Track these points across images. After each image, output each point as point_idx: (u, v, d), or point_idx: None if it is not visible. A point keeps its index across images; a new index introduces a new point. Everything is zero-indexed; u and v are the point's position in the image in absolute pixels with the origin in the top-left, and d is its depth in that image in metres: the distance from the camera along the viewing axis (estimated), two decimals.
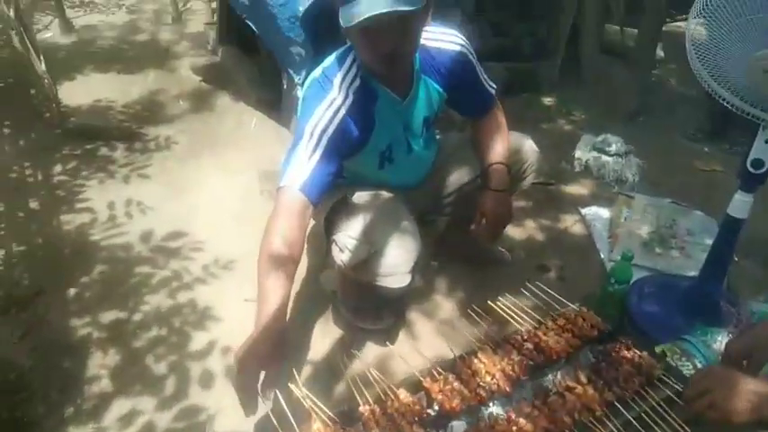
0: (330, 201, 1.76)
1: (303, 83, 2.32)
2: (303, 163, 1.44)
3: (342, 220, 1.65)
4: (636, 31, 3.93)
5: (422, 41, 1.58)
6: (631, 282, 1.94)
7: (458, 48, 1.66)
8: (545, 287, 1.56)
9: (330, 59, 1.57)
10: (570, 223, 2.51)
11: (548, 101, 3.66)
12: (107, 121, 3.12)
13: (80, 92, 3.37)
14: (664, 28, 3.97)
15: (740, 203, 1.80)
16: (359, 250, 1.54)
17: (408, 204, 1.72)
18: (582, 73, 3.95)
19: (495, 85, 1.82)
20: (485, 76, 1.78)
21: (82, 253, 2.17)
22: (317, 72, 1.57)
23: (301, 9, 2.31)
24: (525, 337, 1.34)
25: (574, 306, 1.54)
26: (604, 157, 2.87)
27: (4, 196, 2.45)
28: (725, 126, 3.25)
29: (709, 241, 2.36)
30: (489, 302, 1.52)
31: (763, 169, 1.72)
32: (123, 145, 2.88)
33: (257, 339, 1.24)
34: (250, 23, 2.84)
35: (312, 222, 1.64)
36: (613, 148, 2.87)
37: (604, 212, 2.56)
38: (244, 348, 1.23)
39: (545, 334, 1.36)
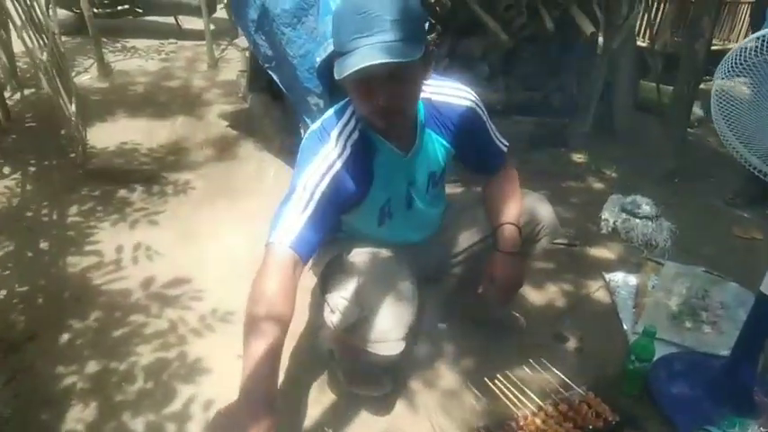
0: (327, 256, 1.68)
1: None
2: (294, 219, 1.36)
3: (335, 279, 1.57)
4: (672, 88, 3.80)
5: (428, 95, 1.53)
6: (655, 359, 1.78)
7: (467, 103, 1.59)
8: (549, 365, 1.42)
9: (329, 112, 1.51)
10: (593, 289, 2.35)
11: (577, 157, 3.54)
12: (130, 163, 3.14)
13: (109, 134, 3.42)
14: (702, 86, 3.85)
15: None
16: (349, 313, 1.45)
17: (412, 264, 1.63)
18: (615, 130, 3.83)
19: (507, 143, 1.73)
20: (496, 134, 1.70)
21: (81, 297, 2.12)
22: (317, 125, 1.51)
23: (318, 60, 2.29)
24: (521, 424, 1.20)
25: (580, 390, 1.39)
26: (633, 220, 2.72)
27: (16, 236, 2.45)
28: (767, 191, 3.07)
29: (745, 316, 2.21)
30: (486, 380, 1.38)
31: None
32: (142, 188, 2.88)
33: (237, 410, 1.14)
34: (272, 74, 2.85)
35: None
36: (643, 211, 2.72)
37: (631, 279, 2.40)
38: (221, 418, 1.14)
39: (544, 422, 1.21)
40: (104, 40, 4.84)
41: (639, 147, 3.63)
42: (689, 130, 3.85)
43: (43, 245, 2.41)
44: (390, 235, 1.64)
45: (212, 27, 4.78)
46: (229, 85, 4.28)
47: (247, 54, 3.78)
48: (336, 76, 1.27)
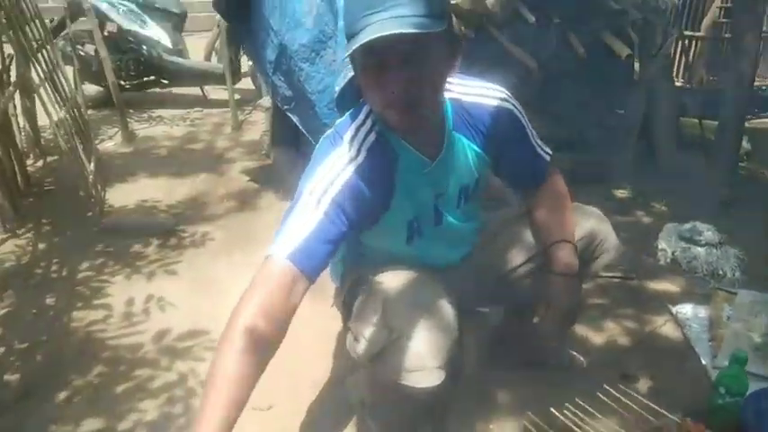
0: (349, 281, 1.46)
1: None
2: (297, 228, 1.15)
3: (360, 303, 1.34)
4: (716, 123, 3.57)
5: (457, 96, 1.32)
6: (747, 393, 1.49)
7: (502, 104, 1.36)
8: (630, 391, 1.14)
9: (344, 116, 1.33)
10: (659, 324, 2.06)
11: (621, 192, 3.28)
12: (147, 218, 3.01)
13: (128, 193, 3.32)
14: (747, 125, 3.62)
15: None
16: (376, 337, 1.20)
17: (450, 289, 1.38)
18: (657, 165, 3.59)
19: (550, 151, 1.51)
20: (537, 140, 1.46)
21: (85, 352, 1.93)
22: (330, 129, 1.32)
23: (337, 89, 2.15)
24: None
25: (674, 417, 1.11)
26: (695, 248, 2.43)
27: (22, 293, 2.28)
28: None
29: None
30: (553, 410, 1.11)
31: None
32: (158, 241, 2.72)
33: None
34: (291, 116, 2.73)
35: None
36: (705, 237, 2.44)
37: (701, 311, 2.11)
38: None
39: None
40: (130, 111, 4.87)
41: (686, 180, 3.37)
42: (739, 163, 3.59)
43: (49, 300, 2.23)
44: (421, 254, 1.41)
45: (237, 97, 4.79)
46: (253, 144, 4.20)
47: (270, 111, 3.73)
48: (348, 49, 1.08)
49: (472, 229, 1.53)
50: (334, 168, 1.20)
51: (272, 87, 2.75)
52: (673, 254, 2.45)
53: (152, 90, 5.39)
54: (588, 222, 1.52)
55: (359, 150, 1.22)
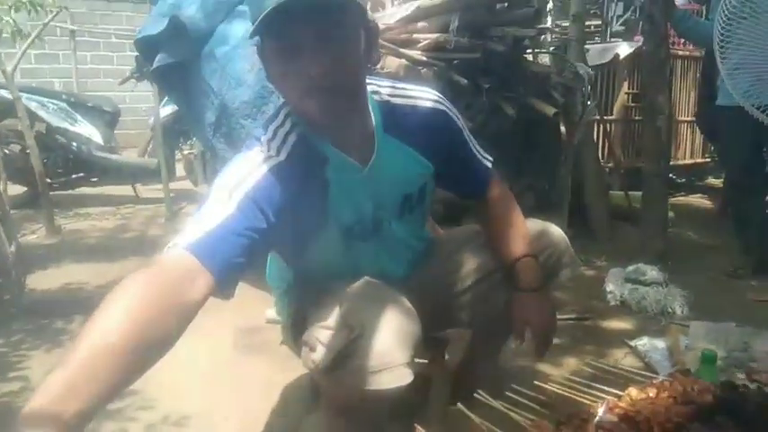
0: (294, 310, 1.36)
1: None
2: (202, 221, 0.99)
3: (311, 314, 1.23)
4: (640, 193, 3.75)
5: (385, 98, 1.24)
6: None
7: (434, 104, 1.29)
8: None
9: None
10: (620, 356, 2.02)
11: None
12: (72, 299, 2.77)
13: (52, 278, 3.08)
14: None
15: None
16: (335, 339, 1.09)
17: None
18: (592, 230, 3.71)
19: (491, 158, 1.46)
20: (477, 147, 1.41)
21: (2, 424, 1.67)
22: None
23: None
24: (605, 410, 0.83)
25: (664, 377, 1.04)
26: (642, 288, 2.46)
27: None
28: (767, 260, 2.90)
29: None
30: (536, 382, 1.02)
31: None
32: (83, 318, 2.49)
33: None
34: None
35: None
36: (651, 277, 2.48)
37: (658, 343, 2.10)
38: None
39: (633, 404, 0.85)
40: (56, 209, 4.66)
41: (621, 242, 3.49)
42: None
43: None
44: (363, 265, 1.30)
45: (172, 195, 4.70)
46: None
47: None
48: (251, 23, 1.01)
49: (418, 243, 1.47)
50: (247, 166, 1.09)
51: (212, 153, 2.72)
52: (621, 295, 2.47)
53: (81, 189, 5.22)
54: (540, 232, 1.49)
55: (278, 151, 1.11)
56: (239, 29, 2.47)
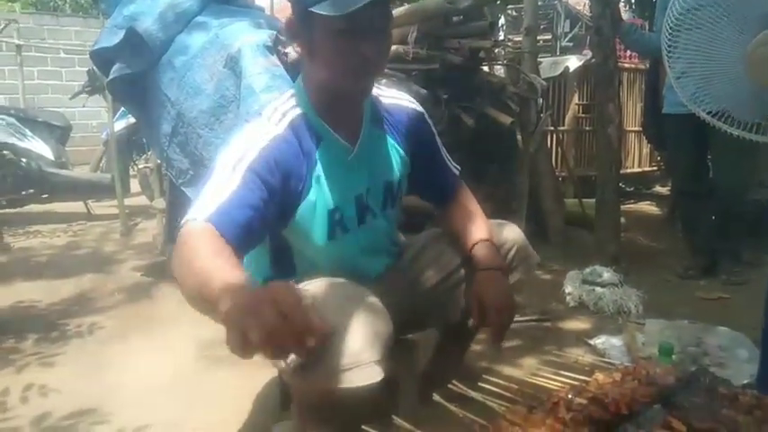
0: None
1: None
2: (212, 195, 1.09)
3: None
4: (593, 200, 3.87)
5: (374, 94, 1.36)
6: None
7: (415, 106, 1.44)
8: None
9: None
10: (580, 354, 2.06)
11: None
12: (23, 317, 2.67)
13: (2, 297, 2.95)
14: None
15: None
16: None
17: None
18: (548, 237, 3.80)
19: (459, 167, 1.56)
20: (446, 154, 1.52)
21: None
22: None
23: None
24: (574, 394, 0.86)
25: (623, 364, 1.08)
26: (598, 289, 2.53)
27: None
28: (714, 261, 3.03)
29: (748, 354, 2.02)
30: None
31: None
32: (36, 336, 2.41)
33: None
34: (187, 190, 2.61)
35: None
36: (606, 279, 2.56)
37: (615, 341, 2.15)
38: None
39: (600, 387, 0.88)
40: (4, 227, 4.49)
41: (576, 246, 3.59)
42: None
43: None
44: (344, 254, 1.35)
45: (127, 211, 4.60)
46: (145, 245, 3.97)
47: (165, 209, 3.59)
48: (334, 11, 1.09)
49: (392, 246, 1.50)
50: (250, 138, 1.18)
51: (167, 163, 2.67)
52: (579, 297, 2.54)
53: (31, 206, 5.05)
54: (498, 230, 1.53)
55: (278, 122, 1.21)
56: (199, 39, 2.44)
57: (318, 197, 1.26)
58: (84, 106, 6.67)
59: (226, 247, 1.01)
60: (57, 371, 2.08)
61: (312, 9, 1.11)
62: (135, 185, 5.53)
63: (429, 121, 1.48)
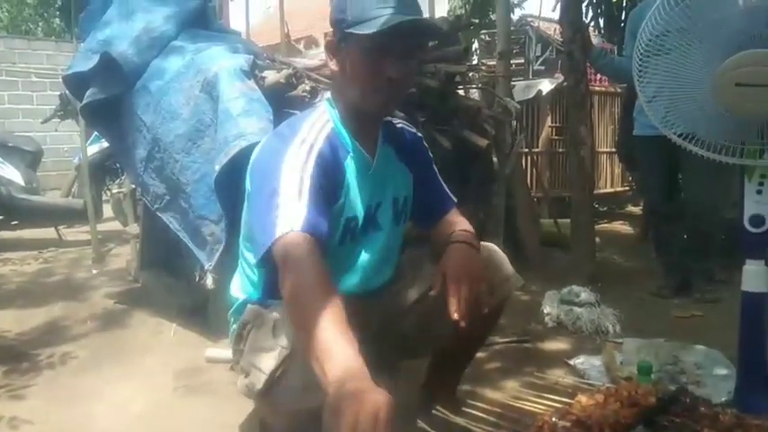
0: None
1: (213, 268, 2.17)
2: (293, 207, 1.13)
3: (250, 339, 1.24)
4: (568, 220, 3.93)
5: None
6: None
7: (415, 131, 1.54)
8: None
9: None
10: (560, 375, 2.07)
11: None
12: None
13: None
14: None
15: (754, 274, 1.51)
16: (269, 360, 1.13)
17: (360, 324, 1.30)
18: (526, 258, 3.83)
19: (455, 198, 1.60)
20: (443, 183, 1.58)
21: None
22: (276, 130, 1.40)
23: (218, 167, 2.11)
24: (557, 417, 0.86)
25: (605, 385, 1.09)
26: (576, 309, 2.55)
27: None
28: (687, 279, 3.08)
29: (725, 371, 2.04)
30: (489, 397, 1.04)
31: (765, 226, 1.48)
32: (5, 367, 2.33)
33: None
34: (163, 215, 2.57)
35: None
36: (583, 298, 2.59)
37: (595, 360, 2.17)
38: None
39: (584, 410, 0.89)
40: None
41: (553, 266, 3.63)
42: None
43: None
44: (349, 261, 1.39)
45: (99, 237, 4.52)
46: (118, 272, 3.89)
47: (138, 236, 3.54)
48: (367, 31, 1.18)
49: (389, 268, 1.51)
50: (302, 150, 1.23)
51: (143, 189, 2.64)
52: (558, 317, 2.56)
53: (0, 233, 4.94)
54: (485, 251, 1.54)
55: (317, 136, 1.28)
56: (175, 63, 2.44)
57: (345, 203, 1.33)
58: (56, 131, 6.58)
59: (337, 298, 1.02)
60: (28, 402, 2.02)
61: (349, 30, 1.21)
62: (108, 211, 5.44)
63: (426, 147, 1.55)
